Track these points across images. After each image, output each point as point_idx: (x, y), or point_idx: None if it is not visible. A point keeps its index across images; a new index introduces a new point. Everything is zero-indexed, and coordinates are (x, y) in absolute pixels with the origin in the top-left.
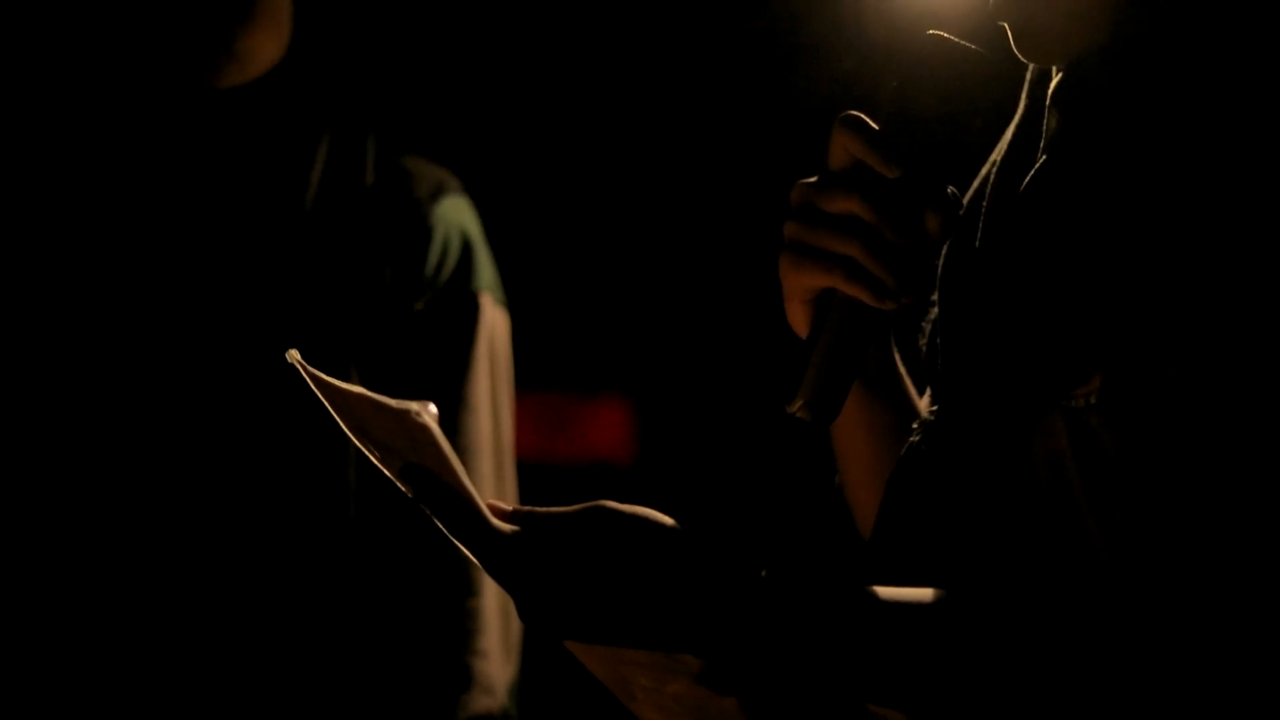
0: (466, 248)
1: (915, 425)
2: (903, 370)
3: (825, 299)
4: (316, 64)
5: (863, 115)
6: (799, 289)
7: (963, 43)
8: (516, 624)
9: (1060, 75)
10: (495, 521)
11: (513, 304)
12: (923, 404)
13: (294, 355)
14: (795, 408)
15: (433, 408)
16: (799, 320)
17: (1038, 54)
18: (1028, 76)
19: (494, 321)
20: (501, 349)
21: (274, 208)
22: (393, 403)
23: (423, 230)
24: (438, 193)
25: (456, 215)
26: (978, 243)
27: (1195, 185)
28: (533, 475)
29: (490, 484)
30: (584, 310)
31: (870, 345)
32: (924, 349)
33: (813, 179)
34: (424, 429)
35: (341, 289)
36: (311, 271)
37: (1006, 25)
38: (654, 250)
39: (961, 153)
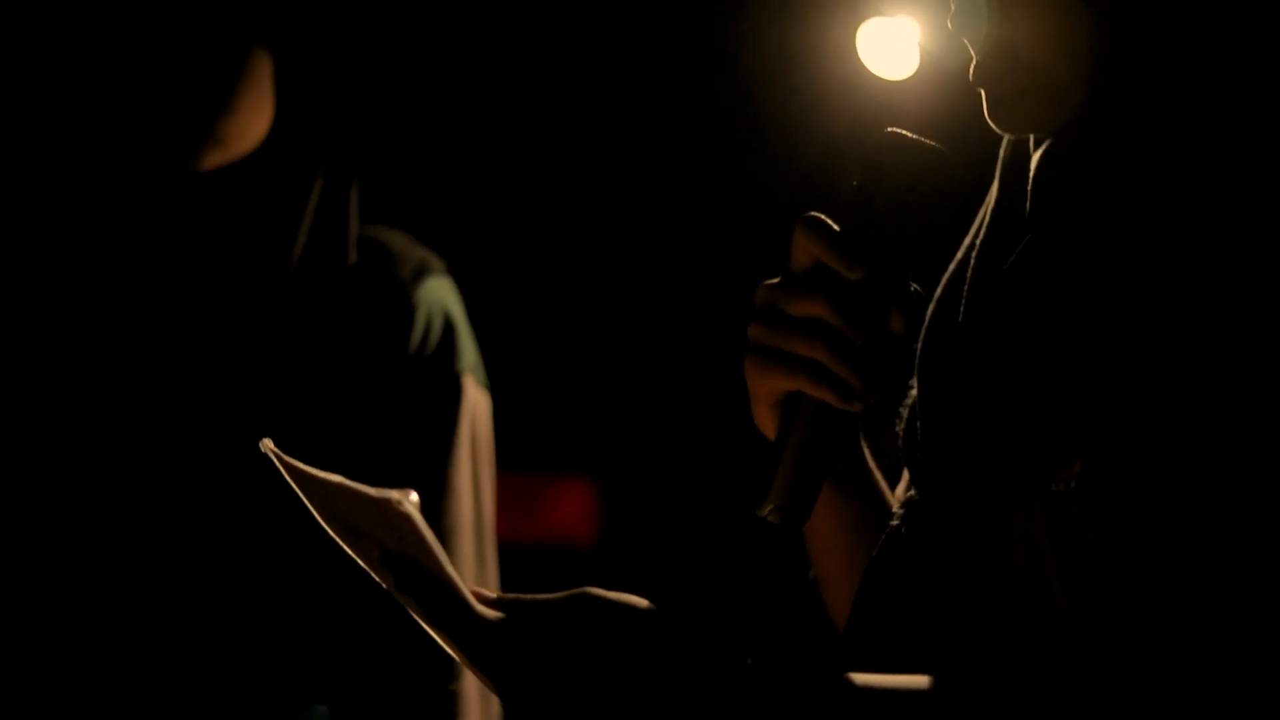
0: (449, 329)
1: (896, 509)
2: (873, 465)
3: (792, 401)
4: (300, 143)
5: (823, 216)
6: (765, 392)
7: (921, 139)
8: (497, 707)
9: (1041, 153)
10: (480, 608)
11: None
12: (898, 492)
13: (268, 445)
14: (766, 511)
15: (414, 496)
16: (766, 423)
17: (1012, 124)
18: (1000, 156)
19: (476, 403)
20: (483, 431)
21: (256, 289)
22: (373, 491)
23: (405, 311)
24: (420, 273)
25: (439, 296)
26: (959, 324)
27: (1178, 269)
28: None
29: (471, 566)
30: (551, 393)
31: (839, 445)
32: (901, 434)
33: (775, 280)
34: (406, 517)
35: (324, 370)
36: (294, 352)
37: (982, 93)
38: (623, 336)
39: (925, 249)
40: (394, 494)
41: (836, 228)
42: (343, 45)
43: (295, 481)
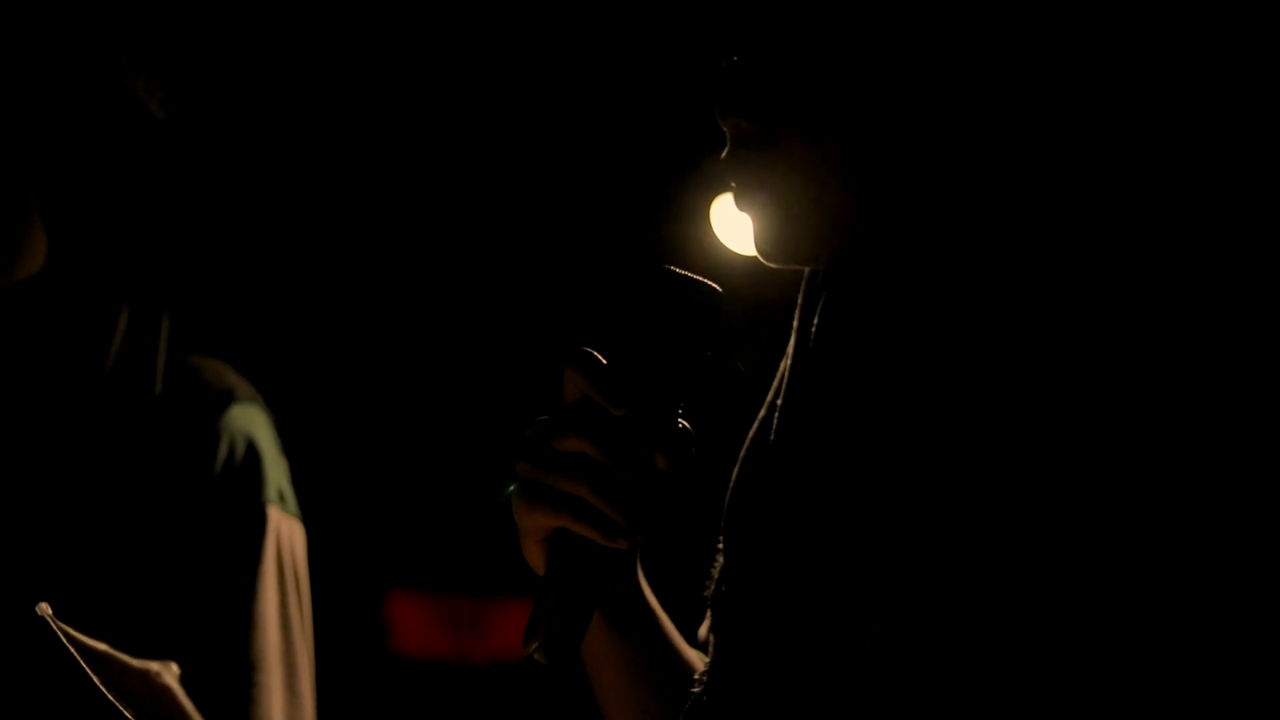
0: (252, 457)
1: (697, 677)
2: (656, 607)
3: (558, 538)
4: (86, 275)
5: (593, 352)
6: (532, 528)
7: (694, 277)
8: None
9: (822, 301)
10: None
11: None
12: (700, 631)
13: (44, 609)
14: (531, 649)
15: (175, 667)
16: (535, 559)
17: (775, 255)
18: (799, 301)
19: (283, 532)
20: (291, 561)
21: (54, 420)
22: (134, 662)
23: (209, 439)
24: (225, 401)
25: (243, 424)
26: (763, 486)
27: (949, 426)
28: (445, 676)
29: (281, 702)
30: (496, 514)
31: (607, 583)
32: (709, 598)
33: (545, 417)
34: (166, 689)
35: (125, 502)
36: (94, 485)
37: (752, 223)
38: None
39: (696, 386)
40: (154, 665)
41: (605, 363)
42: (128, 177)
43: (72, 647)
